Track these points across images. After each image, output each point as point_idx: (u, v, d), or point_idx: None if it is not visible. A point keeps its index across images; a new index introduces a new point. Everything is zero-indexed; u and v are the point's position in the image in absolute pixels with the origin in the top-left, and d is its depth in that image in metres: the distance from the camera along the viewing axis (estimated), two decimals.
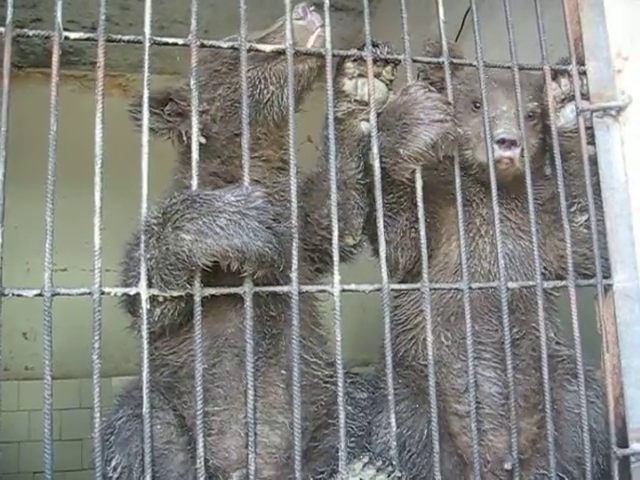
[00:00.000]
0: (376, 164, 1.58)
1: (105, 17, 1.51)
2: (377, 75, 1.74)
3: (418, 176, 1.62)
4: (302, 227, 1.86)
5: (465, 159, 1.86)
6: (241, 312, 1.71)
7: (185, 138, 1.90)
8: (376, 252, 1.92)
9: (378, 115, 1.67)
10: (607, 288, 1.70)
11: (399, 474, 1.41)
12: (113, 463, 1.56)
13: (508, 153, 1.79)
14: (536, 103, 1.94)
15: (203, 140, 1.79)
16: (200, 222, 1.38)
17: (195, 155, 1.47)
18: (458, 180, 1.64)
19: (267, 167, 1.98)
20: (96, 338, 1.39)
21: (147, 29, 1.53)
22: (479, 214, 1.98)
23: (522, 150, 1.78)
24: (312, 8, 1.87)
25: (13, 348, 5.51)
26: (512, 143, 1.79)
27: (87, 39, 1.51)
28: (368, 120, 1.82)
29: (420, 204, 1.58)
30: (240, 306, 1.72)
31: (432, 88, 1.71)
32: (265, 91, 1.87)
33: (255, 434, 1.39)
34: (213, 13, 4.42)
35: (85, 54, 5.54)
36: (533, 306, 1.89)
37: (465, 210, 1.64)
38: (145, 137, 1.48)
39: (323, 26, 1.76)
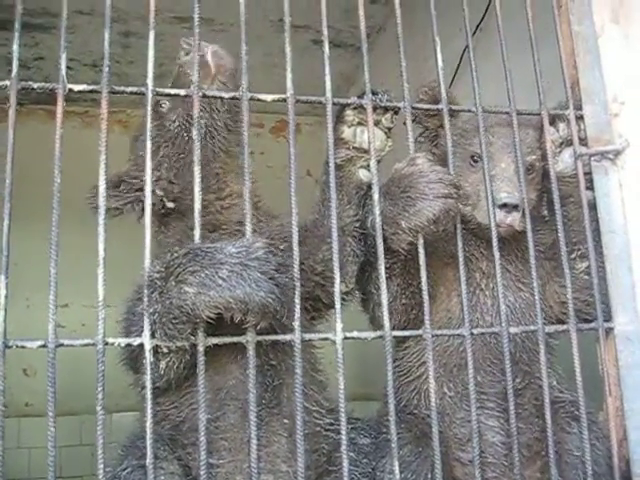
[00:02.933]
0: (376, 211, 1.59)
1: (109, 67, 1.54)
2: (376, 123, 1.75)
3: (420, 243, 1.64)
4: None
5: (463, 215, 1.86)
6: (242, 363, 1.76)
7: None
8: (365, 305, 1.97)
9: (377, 162, 1.69)
10: (608, 331, 1.70)
11: None
12: None
13: (509, 219, 1.80)
14: (534, 156, 1.95)
15: (171, 205, 1.89)
16: (202, 274, 1.39)
17: (198, 205, 1.48)
18: (460, 242, 1.66)
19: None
20: (99, 389, 1.38)
21: (150, 81, 1.55)
22: (479, 268, 1.98)
23: (523, 210, 1.78)
24: (192, 38, 1.94)
25: (13, 385, 5.48)
26: (514, 207, 1.79)
27: (91, 91, 1.53)
28: (366, 167, 1.87)
29: (422, 262, 1.60)
30: (241, 357, 1.77)
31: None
32: (214, 133, 1.99)
33: None
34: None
35: (75, 93, 5.57)
36: (536, 356, 1.88)
37: (465, 265, 1.65)
38: (148, 201, 1.49)
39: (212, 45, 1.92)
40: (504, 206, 1.79)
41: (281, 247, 1.84)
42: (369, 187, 1.88)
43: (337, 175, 1.77)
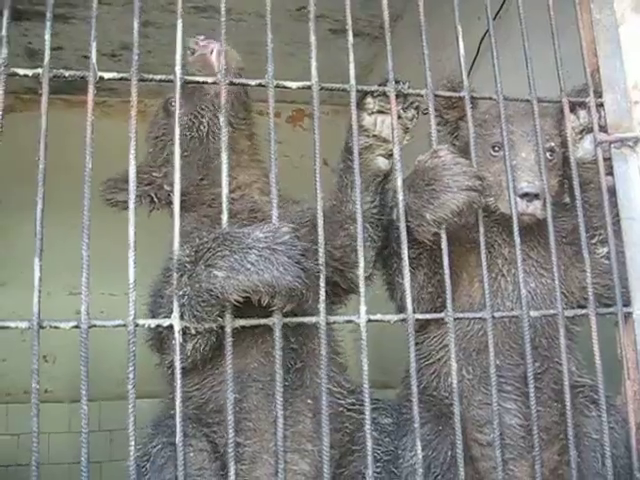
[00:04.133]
0: (400, 197, 1.62)
1: (138, 56, 1.57)
2: (397, 117, 1.77)
3: (443, 237, 1.66)
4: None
5: (487, 206, 1.88)
6: (262, 347, 1.82)
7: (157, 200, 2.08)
8: (392, 294, 2.00)
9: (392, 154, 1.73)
10: (627, 316, 1.73)
11: None
12: None
13: (531, 208, 1.83)
14: (553, 143, 1.97)
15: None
16: (232, 259, 1.43)
17: (225, 190, 1.52)
18: (482, 231, 1.69)
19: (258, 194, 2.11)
20: (131, 368, 1.42)
21: (178, 68, 1.59)
22: (501, 254, 2.01)
23: (544, 199, 1.80)
24: (202, 37, 2.01)
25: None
26: (535, 196, 1.82)
27: (120, 79, 1.57)
28: (384, 156, 1.89)
29: (444, 247, 1.64)
30: (262, 342, 1.82)
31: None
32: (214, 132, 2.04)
33: (285, 462, 1.43)
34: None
35: (104, 79, 5.61)
36: (555, 342, 1.92)
37: (487, 252, 1.67)
38: (177, 184, 1.53)
39: (218, 43, 1.93)
40: (525, 195, 1.82)
41: (301, 232, 1.87)
42: (386, 175, 1.93)
43: (354, 161, 1.81)
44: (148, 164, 2.11)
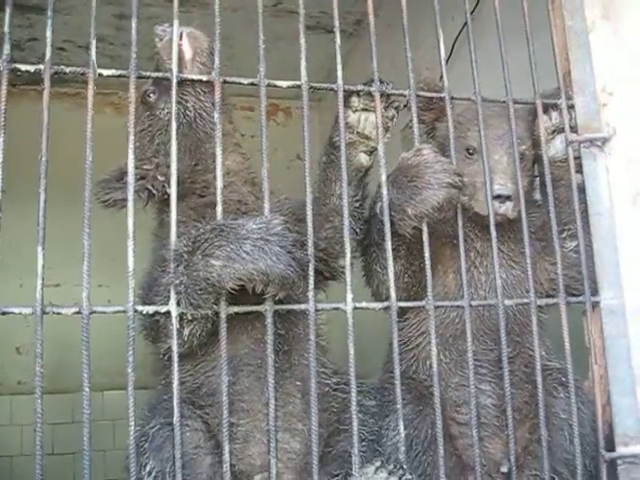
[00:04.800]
0: (384, 192, 1.72)
1: (135, 54, 1.64)
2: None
3: (425, 230, 1.77)
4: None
5: (462, 204, 1.95)
6: (252, 334, 1.92)
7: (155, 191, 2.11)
8: (370, 282, 2.10)
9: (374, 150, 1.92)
10: (595, 305, 1.84)
11: (409, 477, 1.54)
12: (148, 468, 1.69)
13: (502, 209, 1.94)
14: (525, 146, 2.07)
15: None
16: (228, 249, 1.51)
17: (220, 184, 1.60)
18: (460, 223, 1.82)
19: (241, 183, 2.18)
20: (130, 353, 1.50)
21: (174, 67, 1.67)
22: (474, 248, 2.13)
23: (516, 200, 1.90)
24: (166, 24, 2.06)
25: (6, 363, 5.57)
26: (507, 198, 1.93)
27: (119, 76, 1.64)
28: (366, 152, 2.01)
29: (425, 240, 1.76)
30: (251, 329, 1.92)
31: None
32: (203, 115, 2.08)
33: (276, 441, 1.52)
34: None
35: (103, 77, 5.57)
36: (526, 329, 2.06)
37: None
38: (174, 175, 1.60)
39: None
40: (498, 197, 1.93)
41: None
42: (366, 171, 2.04)
43: (338, 157, 1.91)
44: (137, 158, 2.14)
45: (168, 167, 2.04)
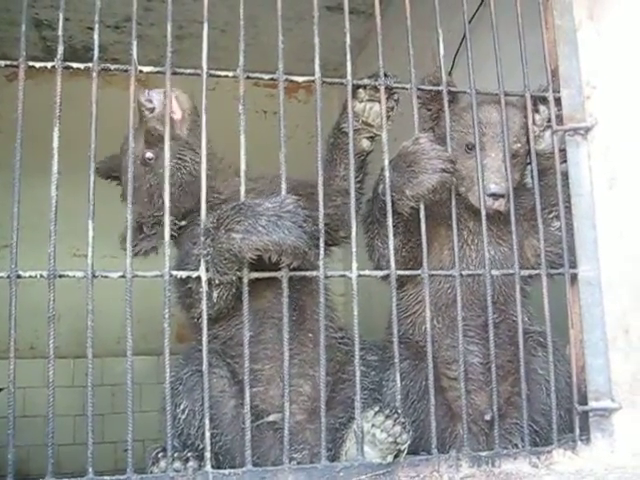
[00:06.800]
0: (386, 174, 1.97)
1: (171, 53, 1.88)
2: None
3: (422, 207, 2.04)
4: None
5: (458, 193, 2.22)
6: (273, 289, 2.18)
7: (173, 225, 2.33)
8: (371, 256, 2.35)
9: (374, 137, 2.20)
10: (573, 277, 2.08)
11: (403, 420, 1.80)
12: (182, 407, 2.00)
13: (496, 205, 2.19)
14: (519, 144, 2.30)
15: (183, 222, 2.37)
16: (246, 223, 1.78)
17: (243, 166, 1.85)
18: (454, 202, 2.08)
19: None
20: (166, 316, 1.76)
21: (204, 63, 1.89)
22: (466, 227, 2.38)
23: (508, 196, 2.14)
24: (147, 92, 2.35)
25: (39, 328, 5.87)
26: (501, 196, 2.18)
27: (157, 72, 1.88)
28: (368, 138, 2.28)
29: (422, 218, 2.03)
30: (273, 286, 2.16)
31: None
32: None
33: (291, 385, 1.80)
34: (230, 13, 4.63)
35: (108, 50, 5.71)
36: (510, 298, 2.31)
37: (456, 224, 2.07)
38: (203, 182, 1.85)
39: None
40: (492, 195, 2.18)
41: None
42: (367, 154, 2.33)
43: (344, 141, 2.22)
44: (144, 215, 2.37)
45: (176, 207, 2.28)
